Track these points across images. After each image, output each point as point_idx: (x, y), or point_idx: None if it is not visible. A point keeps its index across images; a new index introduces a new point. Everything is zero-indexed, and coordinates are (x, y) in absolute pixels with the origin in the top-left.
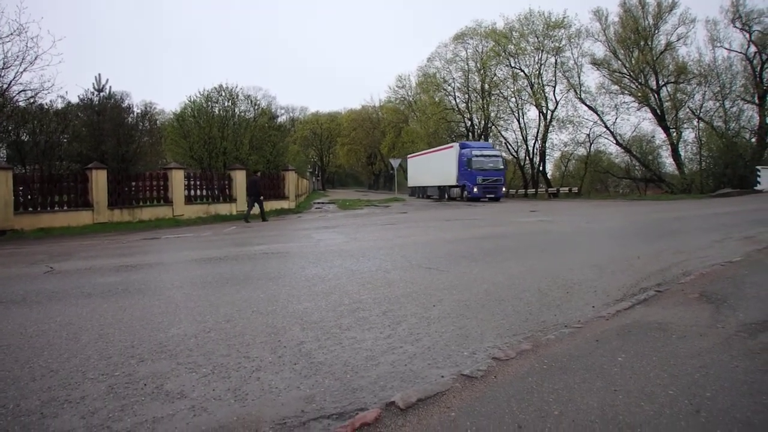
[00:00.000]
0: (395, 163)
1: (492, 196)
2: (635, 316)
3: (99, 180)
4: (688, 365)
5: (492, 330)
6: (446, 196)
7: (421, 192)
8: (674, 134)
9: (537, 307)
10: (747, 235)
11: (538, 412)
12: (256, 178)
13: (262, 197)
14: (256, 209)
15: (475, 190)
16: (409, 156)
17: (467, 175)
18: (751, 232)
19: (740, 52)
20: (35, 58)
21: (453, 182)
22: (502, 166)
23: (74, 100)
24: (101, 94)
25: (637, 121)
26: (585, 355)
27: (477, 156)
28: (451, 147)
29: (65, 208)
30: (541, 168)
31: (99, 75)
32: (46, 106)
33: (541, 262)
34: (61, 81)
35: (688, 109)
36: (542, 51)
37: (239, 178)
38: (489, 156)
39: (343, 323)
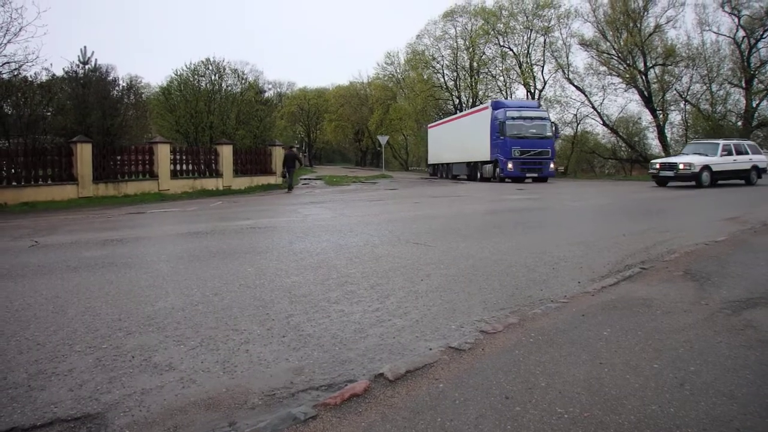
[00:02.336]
0: (383, 139)
1: (535, 175)
2: (620, 292)
3: (84, 154)
4: (672, 340)
5: (479, 304)
6: (478, 175)
7: (444, 171)
8: (661, 116)
9: (524, 282)
10: (731, 215)
11: (525, 384)
12: (293, 152)
13: (294, 169)
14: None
15: (510, 166)
16: (430, 125)
17: (500, 145)
18: (736, 213)
19: (728, 36)
20: (19, 30)
21: (486, 157)
22: (549, 133)
23: (59, 72)
24: (86, 66)
25: (624, 102)
26: (571, 329)
27: (514, 118)
28: (485, 108)
29: (49, 182)
30: None
31: (84, 47)
32: (31, 79)
33: (527, 238)
34: (46, 53)
35: (675, 92)
36: (531, 30)
37: (226, 152)
38: (531, 118)
39: (331, 296)
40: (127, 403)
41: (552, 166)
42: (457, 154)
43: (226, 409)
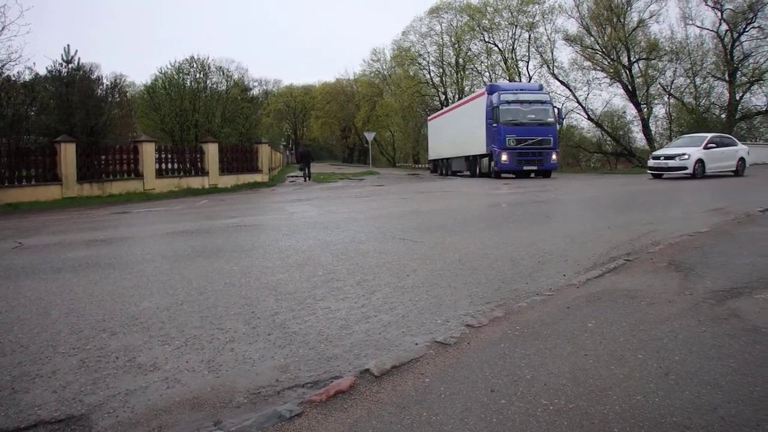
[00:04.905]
0: (369, 136)
1: (535, 168)
2: (605, 284)
3: (68, 153)
4: (657, 330)
5: (465, 298)
6: (477, 170)
7: (444, 167)
8: (645, 110)
9: (509, 276)
10: (715, 207)
11: (510, 377)
12: (308, 149)
13: (310, 162)
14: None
15: (505, 158)
16: (429, 117)
17: (494, 134)
18: (720, 204)
19: (712, 30)
20: (2, 29)
21: (483, 149)
22: (551, 119)
23: (42, 71)
24: (70, 65)
25: (608, 96)
26: (556, 321)
27: (509, 102)
28: (481, 95)
29: (33, 182)
30: None
31: (68, 46)
32: (14, 78)
33: (513, 232)
34: (29, 52)
35: (659, 86)
36: (516, 26)
37: (211, 150)
38: (529, 102)
39: (317, 294)
40: (112, 404)
41: (554, 157)
42: (456, 148)
43: (212, 408)
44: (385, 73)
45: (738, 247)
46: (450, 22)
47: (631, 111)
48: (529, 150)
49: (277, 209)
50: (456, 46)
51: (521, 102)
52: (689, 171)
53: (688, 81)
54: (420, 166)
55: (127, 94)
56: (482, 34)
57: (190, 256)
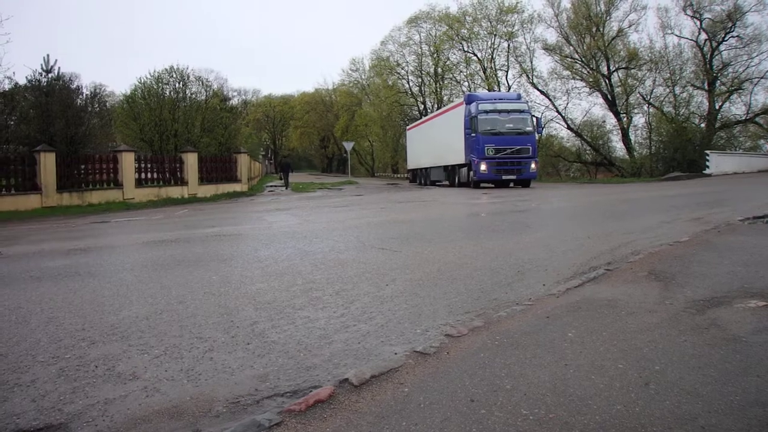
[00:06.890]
0: (348, 146)
1: (513, 177)
2: (585, 293)
3: (47, 163)
4: (637, 340)
5: (444, 308)
6: (456, 180)
7: (423, 177)
8: (625, 119)
9: (489, 286)
10: (695, 216)
11: (490, 386)
12: (288, 160)
13: (290, 172)
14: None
15: (483, 167)
16: (408, 127)
17: (472, 144)
18: (700, 214)
19: (691, 39)
20: None
21: (461, 159)
22: (530, 128)
23: (22, 81)
24: (49, 75)
25: (588, 106)
26: (536, 331)
27: (487, 112)
28: (459, 104)
29: (12, 191)
30: None
31: (47, 56)
32: None
33: (492, 242)
34: (8, 61)
35: (638, 95)
36: (495, 36)
37: (191, 160)
38: (508, 111)
39: (296, 303)
40: (91, 413)
41: (533, 166)
42: (434, 158)
43: (191, 417)
44: (364, 82)
45: (718, 256)
46: (429, 32)
47: (611, 120)
48: (508, 159)
49: (257, 219)
50: (435, 55)
51: (500, 111)
52: None
53: (668, 90)
54: (399, 175)
55: (107, 103)
56: (461, 43)
57: (170, 265)
